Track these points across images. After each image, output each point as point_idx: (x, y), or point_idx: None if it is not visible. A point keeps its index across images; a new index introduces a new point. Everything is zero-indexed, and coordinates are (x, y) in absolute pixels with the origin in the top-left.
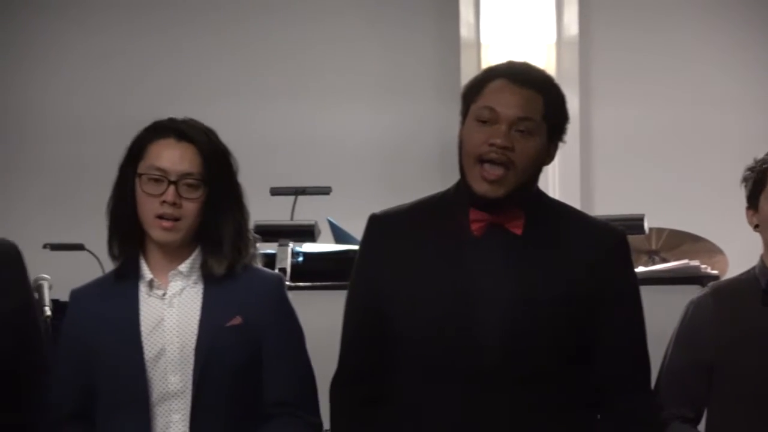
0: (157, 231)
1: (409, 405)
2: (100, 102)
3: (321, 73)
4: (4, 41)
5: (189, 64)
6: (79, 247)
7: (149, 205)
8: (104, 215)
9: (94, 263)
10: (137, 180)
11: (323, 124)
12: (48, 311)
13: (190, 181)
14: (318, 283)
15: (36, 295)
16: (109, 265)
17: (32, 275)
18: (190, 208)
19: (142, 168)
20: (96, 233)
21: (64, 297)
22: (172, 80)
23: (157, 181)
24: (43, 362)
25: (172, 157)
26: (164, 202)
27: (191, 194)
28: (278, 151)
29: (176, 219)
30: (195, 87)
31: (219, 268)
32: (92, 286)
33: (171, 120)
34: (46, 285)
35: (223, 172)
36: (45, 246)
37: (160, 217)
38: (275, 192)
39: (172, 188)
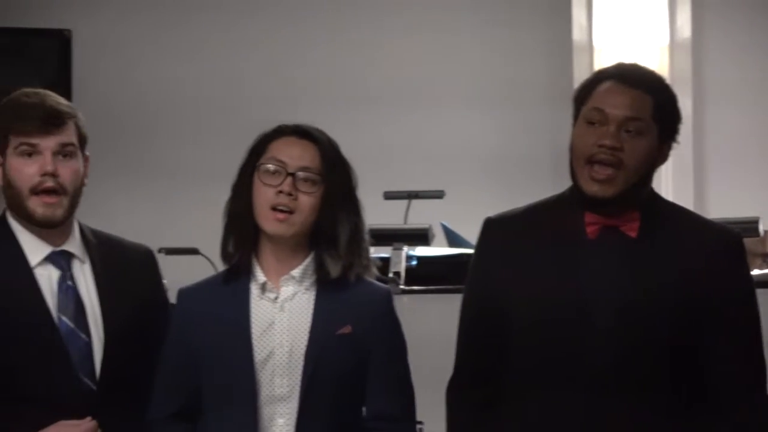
0: (270, 223)
1: (525, 408)
2: (217, 106)
3: (434, 77)
4: (125, 42)
5: (306, 69)
6: (193, 252)
7: (265, 196)
8: (219, 219)
9: (209, 267)
10: (255, 173)
11: (436, 129)
12: None
13: (307, 174)
14: (432, 287)
15: None
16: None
17: None
18: (305, 202)
19: (261, 161)
20: (211, 237)
21: None
22: (289, 85)
23: (275, 172)
24: None
25: (293, 152)
26: (280, 192)
27: (308, 188)
28: (392, 155)
29: (290, 212)
30: (311, 91)
31: (334, 269)
32: (200, 286)
33: (296, 125)
34: None
35: (342, 176)
36: (160, 250)
37: (275, 208)
38: (389, 196)
39: (289, 179)
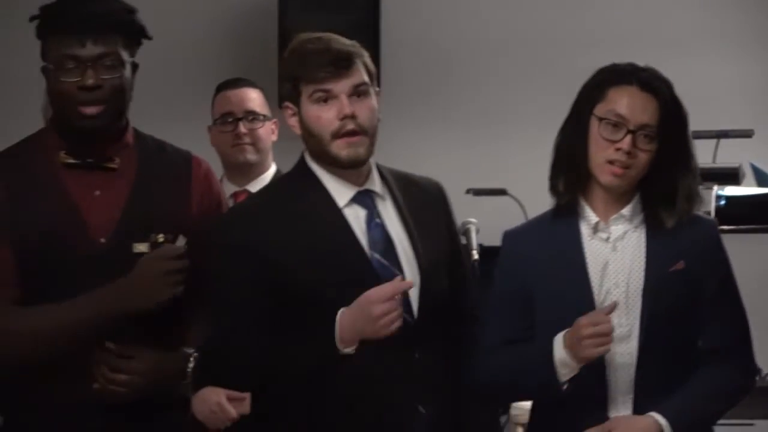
0: (606, 175)
1: None
2: (525, 47)
3: (740, 16)
4: None
5: (619, 12)
6: (501, 192)
7: (603, 150)
8: (527, 160)
9: (517, 208)
10: (594, 122)
11: (744, 69)
12: (476, 255)
13: (647, 132)
14: (742, 227)
15: (464, 239)
16: (532, 210)
17: (458, 220)
18: (642, 158)
19: (601, 111)
20: (518, 178)
21: (488, 241)
22: (603, 29)
23: (615, 126)
24: (477, 304)
25: (634, 106)
26: (619, 149)
27: (646, 146)
28: (700, 94)
29: (626, 167)
30: (627, 34)
31: (670, 221)
32: (527, 227)
33: (632, 66)
34: (473, 229)
35: (680, 127)
36: (468, 191)
37: (611, 162)
38: (697, 135)
39: (629, 137)
